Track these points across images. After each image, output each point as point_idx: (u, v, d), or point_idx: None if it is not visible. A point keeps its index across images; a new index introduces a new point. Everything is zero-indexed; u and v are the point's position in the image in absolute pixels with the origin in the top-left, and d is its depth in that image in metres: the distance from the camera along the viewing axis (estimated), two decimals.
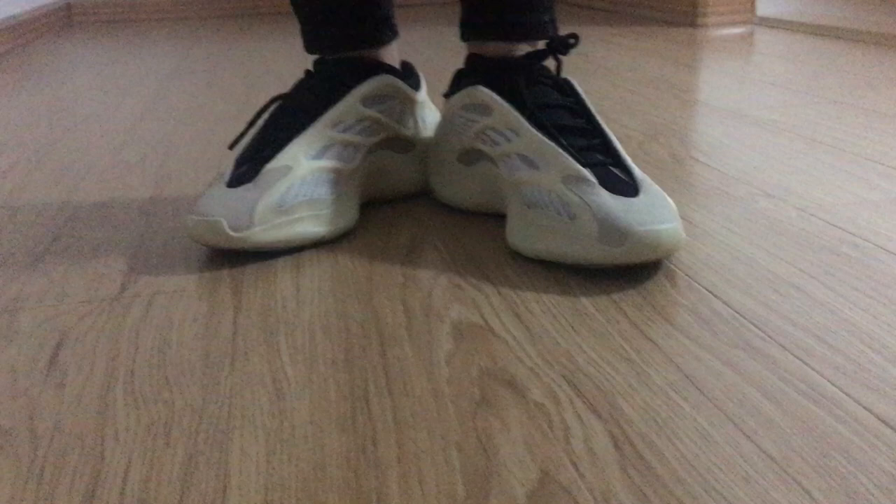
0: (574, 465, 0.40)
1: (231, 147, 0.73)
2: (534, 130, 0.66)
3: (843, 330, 0.52)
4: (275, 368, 0.50)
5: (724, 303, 0.56)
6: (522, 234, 0.65)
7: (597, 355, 0.50)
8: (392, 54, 0.78)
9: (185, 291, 0.62)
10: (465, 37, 0.76)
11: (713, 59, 1.54)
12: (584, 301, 0.58)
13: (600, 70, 1.46)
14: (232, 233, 0.66)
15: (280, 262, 0.67)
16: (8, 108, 1.35)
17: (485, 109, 0.70)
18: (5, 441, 0.44)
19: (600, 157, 0.65)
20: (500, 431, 0.43)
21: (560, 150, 0.64)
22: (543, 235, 0.63)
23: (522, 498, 0.38)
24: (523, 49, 0.73)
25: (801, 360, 0.49)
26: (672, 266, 0.63)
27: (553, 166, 0.64)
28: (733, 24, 2.01)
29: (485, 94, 0.69)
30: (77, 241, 0.73)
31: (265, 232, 0.67)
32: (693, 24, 2.02)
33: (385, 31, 0.77)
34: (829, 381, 0.46)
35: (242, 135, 0.73)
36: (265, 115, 0.74)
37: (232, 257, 0.68)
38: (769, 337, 0.51)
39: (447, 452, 0.41)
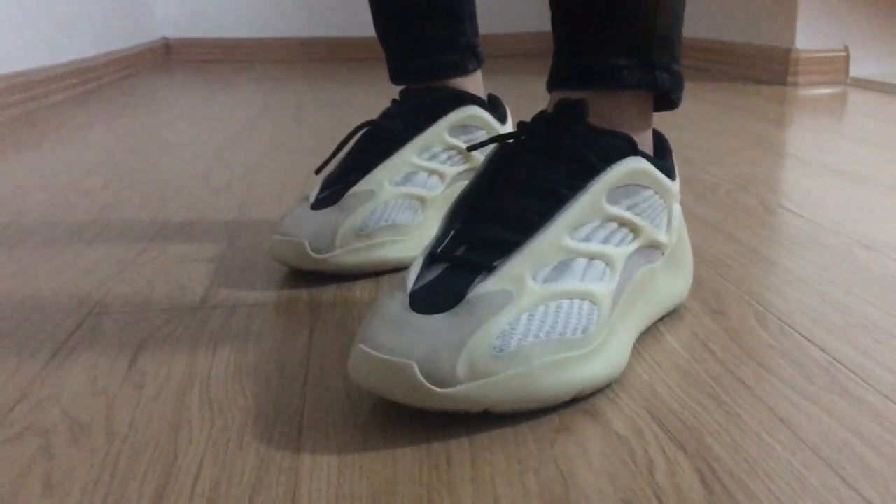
0: (658, 498, 0.38)
1: (317, 172, 0.73)
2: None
3: None
4: (349, 385, 0.50)
5: (820, 348, 0.53)
6: None
7: (682, 392, 0.48)
8: (477, 83, 0.78)
9: (263, 306, 0.62)
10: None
11: (803, 116, 1.51)
12: (669, 338, 0.56)
13: (686, 122, 1.44)
14: (313, 254, 0.67)
15: (359, 285, 0.67)
16: (105, 133, 1.41)
17: None
18: (82, 435, 0.44)
19: (480, 258, 0.48)
20: (579, 459, 0.41)
21: (435, 235, 0.51)
22: None
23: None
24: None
25: None
26: (763, 310, 0.60)
27: None
28: (826, 84, 1.97)
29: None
30: (161, 255, 0.75)
31: (346, 255, 0.67)
32: (784, 83, 1.98)
33: (471, 60, 0.77)
34: None
35: (329, 160, 0.73)
36: (352, 141, 0.75)
37: (312, 278, 0.68)
38: (868, 384, 0.48)
39: (524, 477, 0.40)
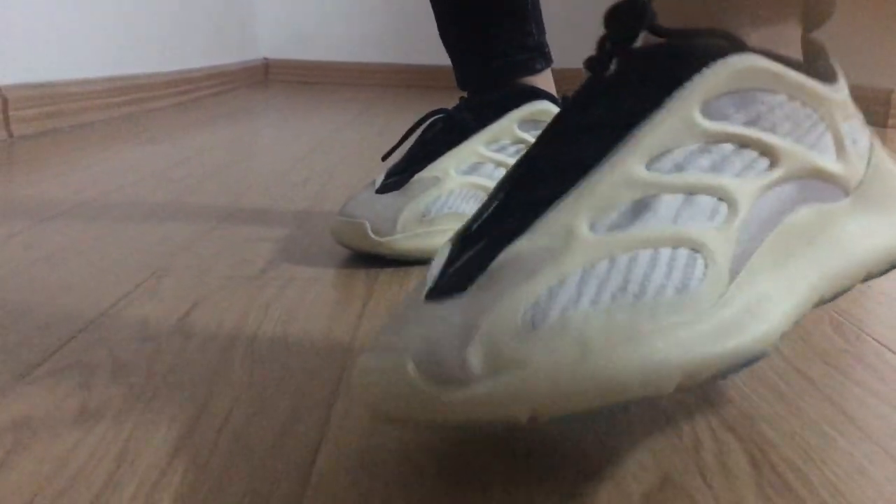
0: (702, 474, 0.35)
1: (384, 158, 0.73)
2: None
3: None
4: None
5: (876, 340, 0.50)
6: None
7: (741, 382, 0.45)
8: (548, 82, 0.77)
9: (320, 280, 0.62)
10: None
11: None
12: None
13: None
14: (374, 236, 0.66)
15: (416, 270, 0.66)
16: (198, 135, 1.45)
17: None
18: (123, 374, 0.45)
19: (512, 227, 0.34)
20: (622, 433, 0.39)
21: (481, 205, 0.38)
22: None
23: (637, 495, 0.34)
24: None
25: None
26: (839, 317, 0.56)
27: None
28: None
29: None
30: (231, 233, 0.76)
31: (406, 239, 0.67)
32: (885, 125, 1.91)
33: (539, 60, 0.76)
34: None
35: (396, 147, 0.73)
36: (420, 130, 0.74)
37: (371, 259, 0.68)
38: None
39: (562, 447, 0.38)
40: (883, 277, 0.65)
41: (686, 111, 0.34)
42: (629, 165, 0.34)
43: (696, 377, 0.30)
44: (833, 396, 0.44)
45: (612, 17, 0.36)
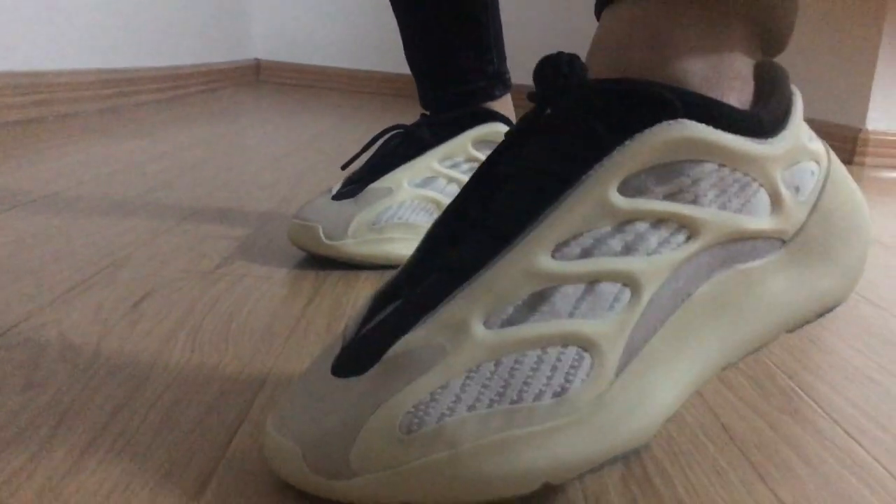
0: (580, 478, 0.39)
1: (343, 168, 0.78)
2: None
3: None
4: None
5: (788, 377, 0.54)
6: None
7: None
8: (507, 106, 0.81)
9: (271, 278, 0.66)
10: None
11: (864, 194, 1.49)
12: None
13: None
14: (325, 240, 0.70)
15: (364, 274, 0.70)
16: (180, 131, 1.49)
17: None
18: (69, 351, 0.48)
19: (445, 290, 0.35)
20: None
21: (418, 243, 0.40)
22: None
23: None
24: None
25: (850, 435, 0.46)
26: None
27: None
28: (893, 167, 1.94)
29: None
30: (193, 229, 0.80)
31: (357, 245, 0.71)
32: (850, 163, 1.96)
33: (498, 87, 0.80)
34: (873, 457, 0.44)
35: (355, 158, 0.77)
36: (379, 143, 0.79)
37: (323, 263, 0.72)
38: (824, 412, 0.49)
39: None
40: None
41: (601, 191, 0.34)
42: (533, 254, 0.34)
43: (564, 476, 0.33)
44: (716, 409, 0.48)
45: (539, 73, 0.36)
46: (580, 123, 0.35)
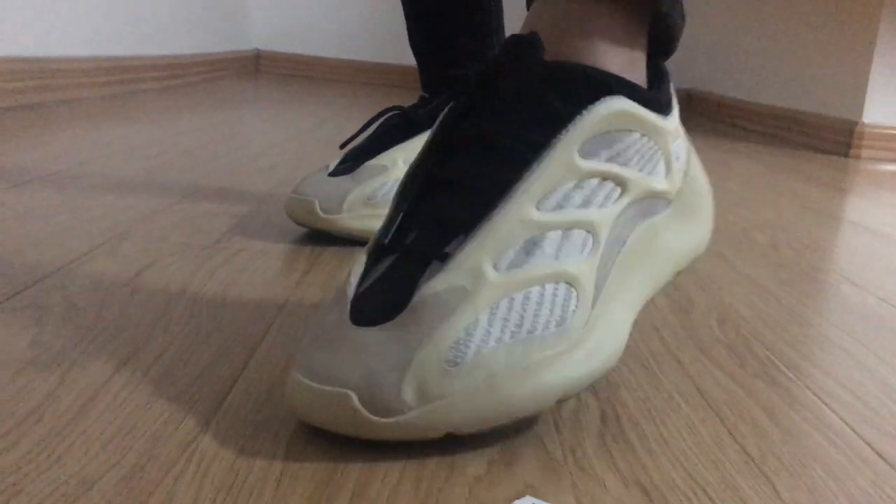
0: (555, 424, 0.42)
1: (342, 147, 0.80)
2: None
3: (878, 389, 0.51)
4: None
5: (766, 348, 0.56)
6: None
7: (620, 362, 0.51)
8: None
9: (268, 252, 0.68)
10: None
11: (853, 184, 1.51)
12: None
13: (736, 176, 1.47)
14: (322, 214, 0.72)
15: (358, 250, 0.72)
16: (179, 118, 1.51)
17: None
18: (75, 314, 0.51)
19: (433, 246, 0.40)
20: None
21: (387, 216, 0.43)
22: None
23: (493, 433, 0.40)
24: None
25: (820, 398, 0.48)
26: (724, 314, 0.63)
27: None
28: (890, 161, 1.96)
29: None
30: (192, 207, 0.82)
31: (351, 219, 0.73)
32: (846, 155, 1.98)
33: None
34: (838, 416, 0.46)
35: (354, 137, 0.79)
36: (377, 123, 0.81)
37: (318, 239, 0.74)
38: (796, 378, 0.51)
39: None
40: (774, 286, 0.72)
41: (568, 154, 0.41)
42: (525, 207, 0.40)
43: (570, 393, 0.39)
44: (693, 375, 0.50)
45: (507, 48, 0.42)
46: (541, 97, 0.42)
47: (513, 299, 0.38)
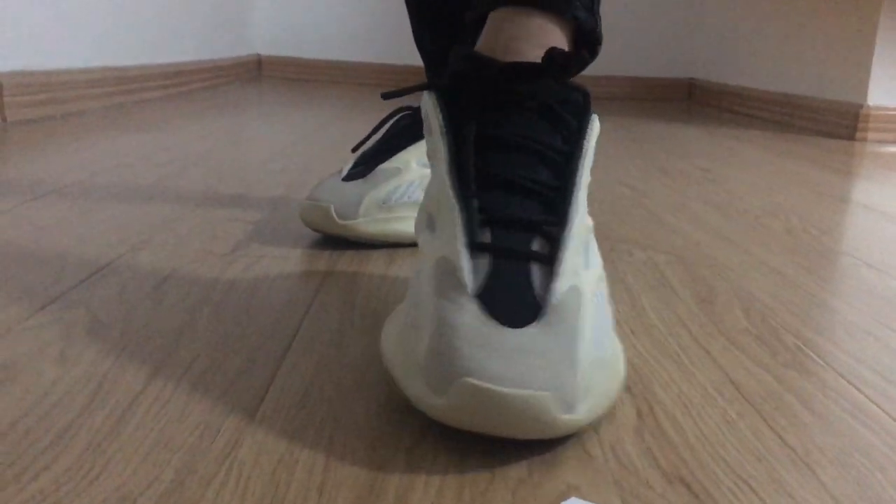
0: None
1: (354, 150, 0.79)
2: (447, 175, 0.44)
3: None
4: (343, 319, 0.55)
5: (794, 336, 0.56)
6: (388, 324, 0.45)
7: (648, 354, 0.51)
8: None
9: (286, 258, 0.68)
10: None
11: (861, 167, 1.51)
12: (652, 316, 0.59)
13: (741, 162, 1.46)
14: (338, 219, 0.72)
15: (376, 253, 0.72)
16: (186, 125, 1.51)
17: (427, 126, 0.48)
18: (100, 329, 0.50)
19: (533, 246, 0.42)
20: None
21: (458, 215, 0.42)
22: (391, 339, 0.43)
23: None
24: (529, 46, 0.48)
25: (853, 385, 0.48)
26: (747, 303, 0.62)
27: (441, 237, 0.43)
28: (895, 142, 1.95)
29: (429, 107, 0.47)
30: (207, 214, 0.82)
31: (367, 224, 0.73)
32: (851, 138, 1.97)
33: None
34: (874, 403, 0.45)
35: (365, 140, 0.79)
36: (388, 125, 0.80)
37: (335, 242, 0.73)
38: (828, 365, 0.51)
39: None
40: (794, 271, 0.72)
41: (591, 156, 0.46)
42: (581, 213, 0.43)
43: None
44: (724, 366, 0.50)
45: (551, 57, 0.45)
46: (559, 113, 0.46)
47: (596, 295, 0.42)
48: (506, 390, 0.35)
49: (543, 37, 0.47)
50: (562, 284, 0.40)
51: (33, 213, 0.78)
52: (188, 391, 0.42)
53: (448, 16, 0.82)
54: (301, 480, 0.35)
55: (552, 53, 0.45)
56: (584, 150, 0.45)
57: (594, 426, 0.41)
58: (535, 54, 0.47)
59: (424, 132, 0.49)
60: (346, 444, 0.38)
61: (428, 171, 0.75)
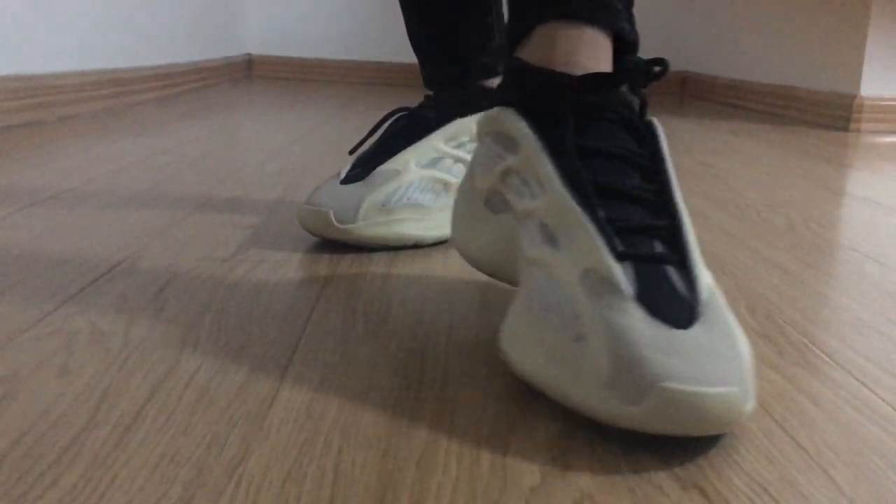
0: (603, 428, 0.41)
1: (351, 152, 0.79)
2: (563, 188, 0.45)
3: None
4: (346, 325, 0.54)
5: (800, 334, 0.55)
6: (518, 342, 0.45)
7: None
8: None
9: (286, 263, 0.67)
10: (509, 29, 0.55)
11: (856, 158, 1.51)
12: None
13: (739, 155, 1.46)
14: (337, 224, 0.71)
15: (376, 256, 0.71)
16: (180, 127, 1.50)
17: (511, 144, 0.50)
18: (101, 339, 0.50)
19: (657, 249, 0.44)
20: (538, 393, 0.44)
21: (591, 227, 0.43)
22: (540, 354, 0.43)
23: (543, 440, 0.39)
24: (585, 58, 0.50)
25: (863, 383, 0.47)
26: (753, 300, 0.62)
27: (575, 250, 0.43)
28: (889, 132, 1.95)
29: (513, 121, 0.49)
30: (205, 219, 0.81)
31: (367, 227, 0.72)
32: (846, 129, 1.98)
33: (499, 63, 0.81)
34: (885, 402, 0.45)
35: (363, 141, 0.78)
36: (385, 126, 0.80)
37: (335, 246, 0.73)
38: (836, 363, 0.50)
39: (484, 400, 0.43)
40: (798, 268, 0.71)
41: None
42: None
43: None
44: None
45: (630, 66, 0.48)
46: (630, 118, 0.48)
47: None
48: (705, 390, 0.37)
49: (597, 49, 0.49)
50: (702, 284, 0.42)
51: (30, 220, 0.77)
52: (192, 403, 0.42)
53: (444, 14, 0.81)
54: (311, 493, 0.34)
55: (629, 65, 0.48)
56: (666, 153, 0.47)
57: (606, 430, 0.40)
58: (594, 66, 0.49)
59: (491, 146, 0.51)
60: (355, 455, 0.37)
61: (428, 172, 0.75)
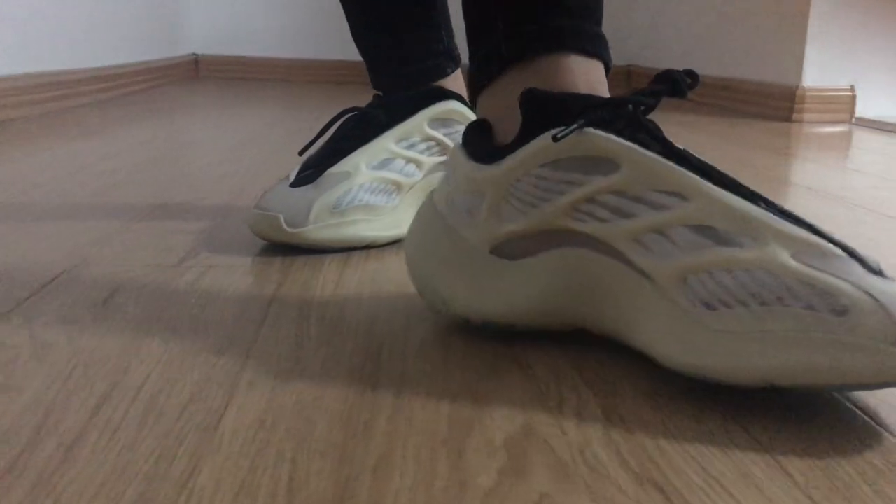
0: (559, 425, 0.41)
1: (301, 153, 0.78)
2: (715, 188, 0.46)
3: None
4: (300, 330, 0.53)
5: None
6: (768, 348, 0.42)
7: (606, 356, 0.51)
8: (457, 83, 0.82)
9: (237, 268, 0.66)
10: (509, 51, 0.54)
11: (802, 149, 1.54)
12: None
13: (696, 151, 1.48)
14: (288, 228, 0.70)
15: (329, 258, 0.71)
16: (126, 131, 1.47)
17: (600, 166, 0.48)
18: (45, 352, 0.48)
19: (802, 221, 0.46)
20: (494, 392, 0.44)
21: (769, 216, 0.45)
22: (772, 347, 0.42)
23: (500, 441, 0.39)
24: (583, 75, 0.53)
25: None
26: None
27: (767, 238, 0.44)
28: (831, 122, 1.99)
29: (599, 137, 0.48)
30: (153, 225, 0.79)
31: (319, 230, 0.71)
32: (789, 120, 2.01)
33: (448, 64, 0.81)
34: (854, 404, 0.46)
35: (312, 142, 0.77)
36: (335, 126, 0.79)
37: (286, 249, 0.72)
38: None
39: (440, 402, 0.43)
40: None
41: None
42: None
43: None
44: None
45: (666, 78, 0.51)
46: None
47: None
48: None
49: (601, 77, 0.55)
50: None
51: None
52: (140, 416, 0.41)
53: (389, 18, 0.81)
54: None
55: (674, 77, 0.51)
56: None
57: (562, 427, 0.40)
58: (610, 92, 0.54)
59: (593, 168, 0.49)
60: (309, 464, 0.37)
61: (379, 174, 0.74)
